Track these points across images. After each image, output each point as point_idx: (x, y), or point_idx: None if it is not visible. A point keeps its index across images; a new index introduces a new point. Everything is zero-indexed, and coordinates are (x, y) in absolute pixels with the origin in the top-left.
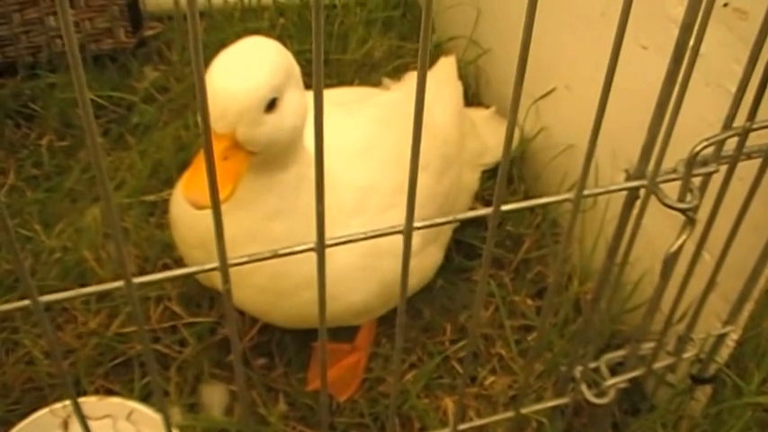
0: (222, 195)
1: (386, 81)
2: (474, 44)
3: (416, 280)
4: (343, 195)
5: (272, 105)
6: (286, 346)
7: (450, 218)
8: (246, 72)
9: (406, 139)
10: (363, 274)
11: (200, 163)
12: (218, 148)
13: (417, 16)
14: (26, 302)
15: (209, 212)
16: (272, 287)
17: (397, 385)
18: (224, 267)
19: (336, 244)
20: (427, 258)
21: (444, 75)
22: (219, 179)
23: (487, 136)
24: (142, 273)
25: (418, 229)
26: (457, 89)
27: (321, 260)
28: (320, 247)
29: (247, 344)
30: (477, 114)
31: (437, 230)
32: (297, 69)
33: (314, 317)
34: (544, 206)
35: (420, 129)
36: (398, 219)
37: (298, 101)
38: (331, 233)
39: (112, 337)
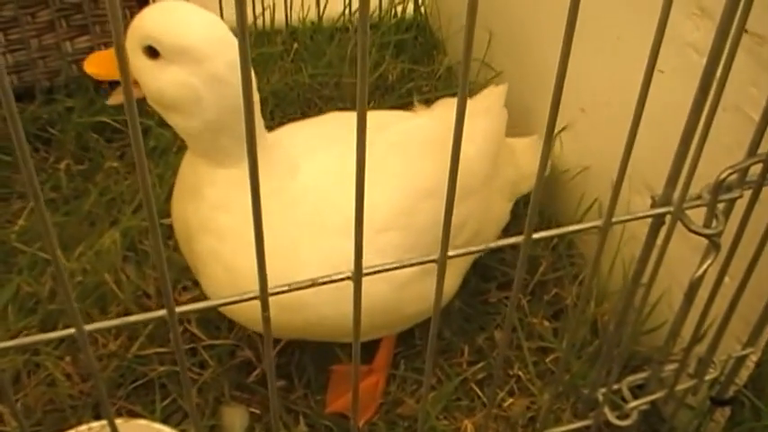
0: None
1: (417, 106)
2: (486, 66)
3: (415, 309)
4: (333, 217)
5: (151, 53)
6: (305, 367)
7: (482, 247)
8: (156, 11)
9: (418, 165)
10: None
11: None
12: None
13: (429, 39)
14: (71, 331)
15: (182, 200)
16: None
17: (425, 410)
18: (264, 295)
19: (372, 273)
20: (428, 288)
21: (486, 103)
22: (103, 60)
23: (526, 164)
24: (161, 295)
25: (452, 257)
26: (497, 119)
27: (357, 289)
28: (357, 276)
29: (267, 366)
30: (519, 143)
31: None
32: (211, 64)
33: (287, 324)
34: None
35: (457, 160)
36: (394, 242)
37: (179, 80)
38: (311, 251)
39: (133, 359)
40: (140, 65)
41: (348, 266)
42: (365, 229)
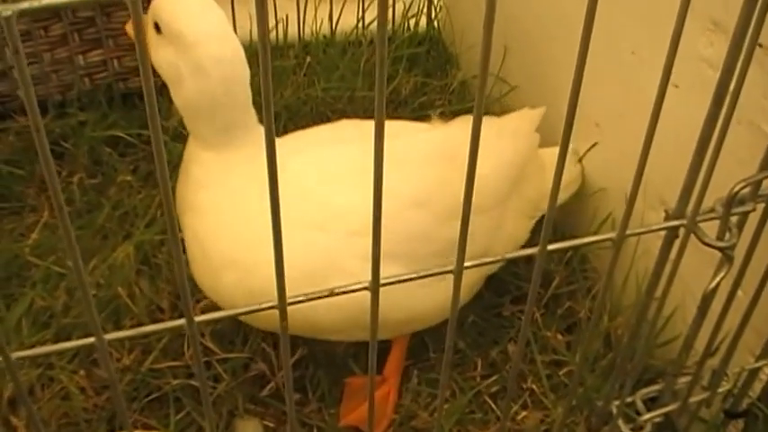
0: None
1: (435, 119)
2: (501, 81)
3: (398, 317)
4: (310, 211)
5: (157, 29)
6: (319, 381)
7: (497, 258)
8: None
9: (413, 175)
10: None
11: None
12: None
13: (442, 53)
14: (91, 340)
15: (179, 186)
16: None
17: (440, 423)
18: (282, 305)
19: (389, 283)
20: (415, 298)
21: (514, 124)
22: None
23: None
24: (174, 309)
25: (468, 268)
26: (523, 141)
27: (375, 299)
28: (374, 286)
29: (281, 379)
30: (550, 154)
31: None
32: (195, 53)
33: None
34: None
35: (473, 173)
36: (365, 250)
37: (168, 59)
38: (286, 242)
39: (147, 372)
40: (150, 36)
41: (321, 260)
42: (338, 230)
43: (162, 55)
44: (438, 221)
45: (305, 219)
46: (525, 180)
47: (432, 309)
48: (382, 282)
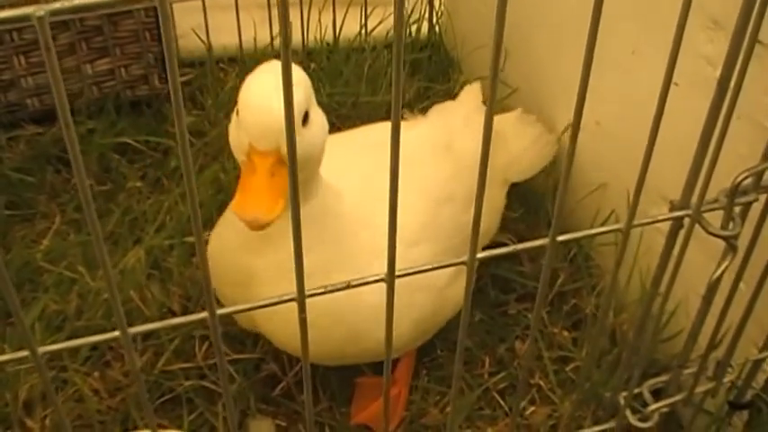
0: (276, 211)
1: (408, 115)
2: (501, 84)
3: (453, 311)
4: (368, 238)
5: (305, 119)
6: (330, 380)
7: (509, 248)
8: (269, 87)
9: (430, 175)
10: (396, 311)
11: (246, 183)
12: (264, 164)
13: (443, 58)
14: (116, 334)
15: (246, 250)
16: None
17: (452, 420)
18: (301, 297)
19: (405, 275)
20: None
21: (474, 103)
22: (270, 194)
23: (514, 143)
24: (185, 311)
25: (482, 260)
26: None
27: (390, 291)
28: (390, 279)
29: (292, 379)
30: (503, 120)
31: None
32: (307, 85)
33: (344, 353)
34: (592, 237)
35: (486, 167)
36: (425, 255)
37: (321, 116)
38: (357, 275)
39: (159, 374)
40: (302, 137)
41: (404, 282)
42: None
43: (319, 125)
44: (463, 209)
45: (371, 248)
46: (494, 147)
47: (456, 305)
48: (397, 273)
